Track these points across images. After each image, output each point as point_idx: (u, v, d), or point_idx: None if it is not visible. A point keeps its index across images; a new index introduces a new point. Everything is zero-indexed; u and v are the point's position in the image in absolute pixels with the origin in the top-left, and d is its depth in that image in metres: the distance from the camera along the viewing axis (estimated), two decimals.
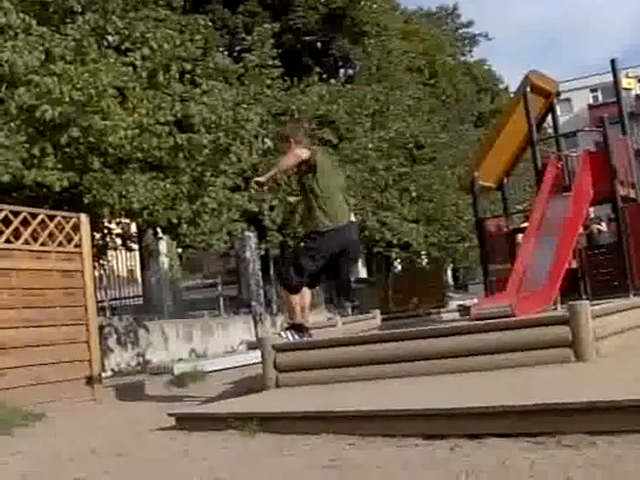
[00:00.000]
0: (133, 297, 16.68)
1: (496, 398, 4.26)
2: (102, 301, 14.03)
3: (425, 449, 3.87)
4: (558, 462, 3.30)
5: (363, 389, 5.58)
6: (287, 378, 6.29)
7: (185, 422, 5.40)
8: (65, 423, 6.58)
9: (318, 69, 18.08)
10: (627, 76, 46.00)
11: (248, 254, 17.61)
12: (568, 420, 3.72)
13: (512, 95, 13.82)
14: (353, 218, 7.04)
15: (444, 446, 3.85)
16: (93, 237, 9.61)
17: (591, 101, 56.69)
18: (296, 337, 6.65)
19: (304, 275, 6.56)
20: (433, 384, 5.34)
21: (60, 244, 8.28)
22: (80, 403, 7.85)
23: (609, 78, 11.26)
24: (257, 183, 6.69)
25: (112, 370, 11.64)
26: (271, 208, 14.32)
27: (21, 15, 8.69)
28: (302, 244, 6.72)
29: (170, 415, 5.56)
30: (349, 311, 20.04)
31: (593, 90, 56.65)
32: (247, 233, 14.95)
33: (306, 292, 6.69)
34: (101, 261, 11.88)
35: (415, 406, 4.38)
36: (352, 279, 23.46)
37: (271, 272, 17.18)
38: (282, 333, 6.76)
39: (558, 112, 12.49)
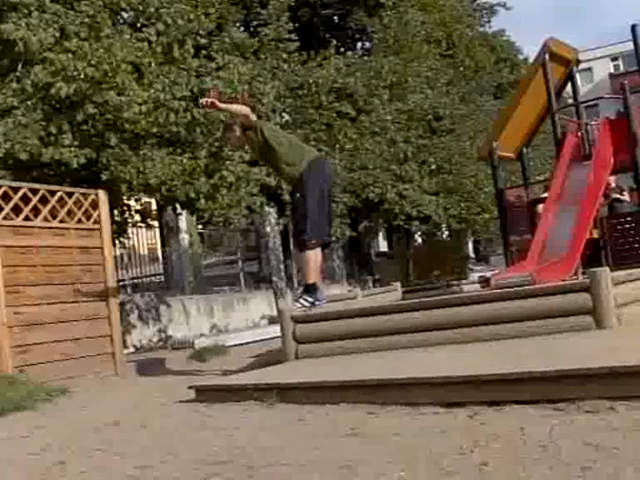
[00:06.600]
0: (154, 275, 16.70)
1: (516, 365, 4.25)
2: (123, 280, 14.06)
3: (444, 417, 3.88)
4: (578, 427, 3.29)
5: (382, 359, 5.59)
6: (306, 349, 6.32)
7: (205, 394, 5.44)
8: (88, 397, 6.65)
9: (335, 42, 17.89)
10: None
11: (268, 229, 17.63)
12: (588, 386, 3.71)
13: (531, 64, 13.61)
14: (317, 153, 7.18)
15: (463, 414, 3.85)
16: (112, 214, 9.63)
17: (612, 70, 55.79)
18: (310, 300, 6.64)
19: (314, 226, 6.57)
20: (452, 353, 5.34)
21: (79, 221, 8.33)
22: (103, 378, 7.94)
23: (631, 46, 11.02)
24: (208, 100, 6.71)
25: (134, 346, 11.72)
26: None
27: None
28: (297, 195, 6.75)
29: (191, 388, 5.59)
30: (370, 285, 20.05)
31: (614, 59, 55.77)
32: (267, 209, 14.94)
33: (319, 251, 6.71)
34: (121, 239, 11.89)
35: (434, 374, 4.37)
36: (372, 253, 23.48)
37: (291, 247, 17.17)
38: (298, 302, 6.75)
39: (579, 82, 12.30)
